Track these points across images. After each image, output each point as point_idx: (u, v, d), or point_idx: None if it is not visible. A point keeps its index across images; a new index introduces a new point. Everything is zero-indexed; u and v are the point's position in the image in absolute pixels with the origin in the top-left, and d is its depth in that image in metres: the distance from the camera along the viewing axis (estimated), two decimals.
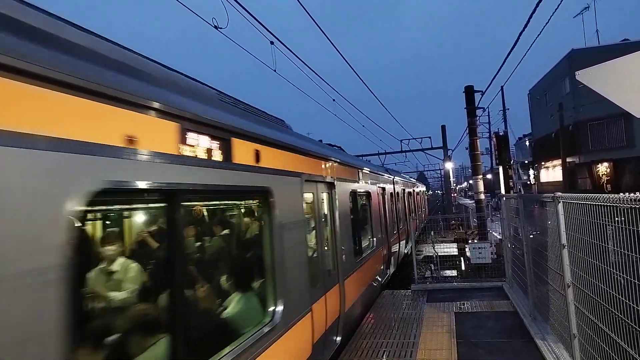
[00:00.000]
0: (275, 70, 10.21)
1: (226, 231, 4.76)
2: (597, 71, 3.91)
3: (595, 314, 4.36)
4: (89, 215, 3.51)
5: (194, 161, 3.22)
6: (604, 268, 4.02)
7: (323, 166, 6.71)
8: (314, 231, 6.30)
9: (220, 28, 7.39)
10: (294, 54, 10.20)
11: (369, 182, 10.72)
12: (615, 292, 3.78)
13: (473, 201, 20.72)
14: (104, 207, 3.63)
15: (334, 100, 17.23)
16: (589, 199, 4.26)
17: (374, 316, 8.91)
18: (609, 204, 3.77)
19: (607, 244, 3.95)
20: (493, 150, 25.59)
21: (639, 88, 3.49)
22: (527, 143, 42.29)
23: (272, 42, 9.31)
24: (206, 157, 3.41)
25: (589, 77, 3.96)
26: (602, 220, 3.97)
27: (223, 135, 3.68)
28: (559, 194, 5.30)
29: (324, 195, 6.90)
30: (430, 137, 35.65)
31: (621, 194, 3.49)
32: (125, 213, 4.22)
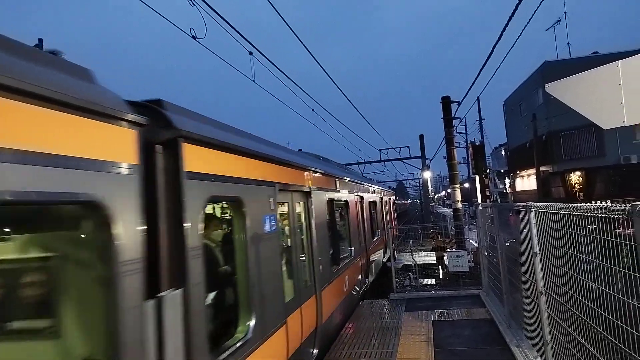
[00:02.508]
0: (254, 81, 10.22)
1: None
2: (567, 84, 4.03)
3: (567, 321, 4.45)
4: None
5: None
6: (575, 276, 4.11)
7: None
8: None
9: (199, 38, 7.37)
10: (273, 64, 10.24)
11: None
12: (586, 300, 3.87)
13: (451, 209, 20.98)
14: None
15: (313, 110, 17.30)
16: (561, 209, 4.35)
17: (352, 326, 8.90)
18: (579, 214, 3.85)
19: (579, 252, 4.03)
20: (470, 159, 26.03)
21: (605, 100, 3.61)
22: (503, 152, 43.14)
23: (250, 53, 9.34)
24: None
25: (558, 89, 4.08)
26: (574, 228, 4.06)
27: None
28: (532, 203, 5.41)
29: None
30: (408, 147, 36.21)
31: (591, 203, 3.58)
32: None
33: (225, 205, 5.47)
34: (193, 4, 6.90)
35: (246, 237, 4.42)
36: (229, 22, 7.84)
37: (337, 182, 9.43)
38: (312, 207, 7.02)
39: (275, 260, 5.13)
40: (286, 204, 6.22)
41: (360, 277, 11.05)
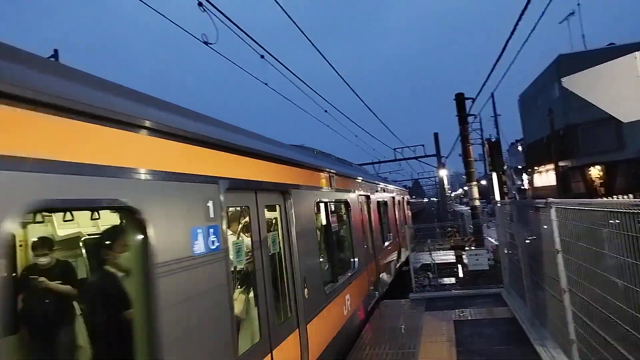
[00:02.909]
0: (267, 84, 10.27)
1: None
2: (584, 77, 3.95)
3: (593, 319, 4.36)
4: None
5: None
6: (600, 272, 4.02)
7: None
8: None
9: (210, 44, 7.43)
10: (285, 66, 10.28)
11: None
12: (612, 297, 3.78)
13: (469, 207, 20.74)
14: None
15: (326, 111, 17.29)
16: (582, 205, 4.28)
17: (373, 327, 8.86)
18: (601, 209, 3.78)
19: (602, 248, 3.95)
20: (486, 156, 25.73)
21: (624, 93, 3.53)
22: (520, 148, 42.57)
23: (262, 56, 9.38)
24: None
25: (575, 83, 4.00)
26: (596, 224, 3.98)
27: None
28: (551, 199, 5.33)
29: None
30: (423, 145, 36.01)
31: (613, 198, 3.51)
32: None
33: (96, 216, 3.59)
34: (204, 10, 6.96)
35: (149, 266, 2.70)
36: (240, 27, 7.89)
37: (333, 179, 7.67)
38: (292, 211, 5.36)
39: (217, 295, 3.48)
40: (245, 208, 4.52)
41: (368, 291, 9.66)
